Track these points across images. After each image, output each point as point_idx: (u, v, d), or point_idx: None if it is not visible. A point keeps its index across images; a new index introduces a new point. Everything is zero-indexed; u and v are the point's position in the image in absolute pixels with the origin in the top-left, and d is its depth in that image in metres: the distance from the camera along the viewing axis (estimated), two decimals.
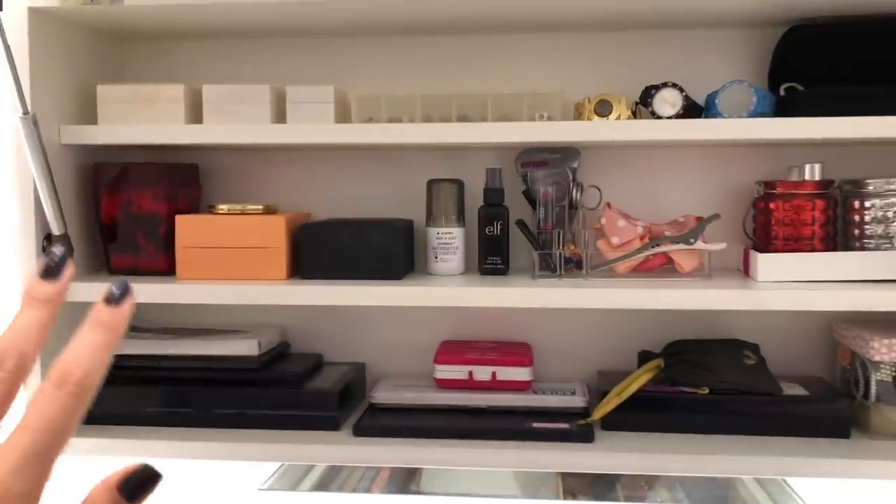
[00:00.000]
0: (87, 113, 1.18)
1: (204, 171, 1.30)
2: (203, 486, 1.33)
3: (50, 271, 0.43)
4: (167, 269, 1.17)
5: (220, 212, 1.17)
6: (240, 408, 1.16)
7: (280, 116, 1.15)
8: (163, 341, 1.20)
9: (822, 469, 1.03)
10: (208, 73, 1.26)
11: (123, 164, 1.19)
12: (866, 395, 1.11)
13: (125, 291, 0.42)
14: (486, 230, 1.18)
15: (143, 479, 0.41)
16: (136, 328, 1.26)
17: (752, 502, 1.32)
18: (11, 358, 0.40)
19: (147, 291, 1.11)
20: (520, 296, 1.07)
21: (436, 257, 1.18)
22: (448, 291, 1.09)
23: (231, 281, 1.12)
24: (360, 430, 1.13)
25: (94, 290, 1.11)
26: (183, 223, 1.15)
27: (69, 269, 0.43)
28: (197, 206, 1.26)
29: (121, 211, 1.17)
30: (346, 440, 1.12)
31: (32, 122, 1.04)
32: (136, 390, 1.17)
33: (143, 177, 1.17)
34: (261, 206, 1.17)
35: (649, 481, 1.41)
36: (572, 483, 1.44)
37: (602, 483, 1.44)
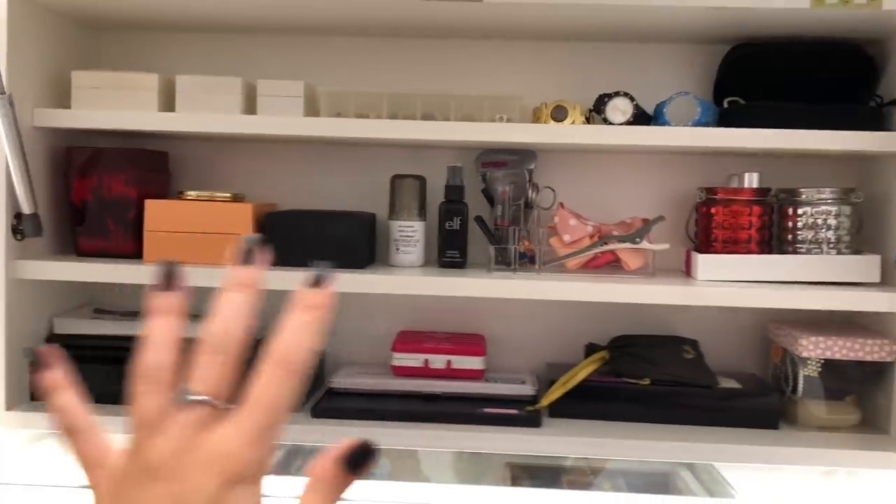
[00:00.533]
0: (61, 98, 1.21)
1: (174, 159, 1.34)
2: None
3: (248, 256, 0.45)
4: (135, 252, 1.20)
5: (189, 198, 1.21)
6: None
7: (251, 108, 1.20)
8: (130, 322, 1.23)
9: (753, 456, 1.11)
10: (180, 65, 1.30)
11: (95, 149, 1.22)
12: (794, 389, 1.19)
13: (326, 275, 0.45)
14: (446, 225, 1.24)
15: (365, 453, 0.42)
16: (104, 310, 1.29)
17: (687, 491, 1.39)
18: (229, 342, 0.42)
19: (115, 272, 1.14)
20: (476, 287, 1.13)
21: (397, 249, 1.24)
22: (407, 280, 1.14)
23: (196, 264, 1.16)
24: (319, 413, 1.17)
25: (62, 271, 1.15)
26: (152, 207, 1.19)
27: (266, 253, 0.45)
28: (166, 192, 1.30)
29: (91, 194, 1.20)
30: (305, 422, 1.16)
31: (9, 102, 1.07)
32: (106, 369, 1.19)
33: (114, 161, 1.21)
34: (228, 194, 1.21)
35: (592, 471, 1.47)
36: (519, 471, 1.50)
37: (547, 472, 1.50)
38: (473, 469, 1.52)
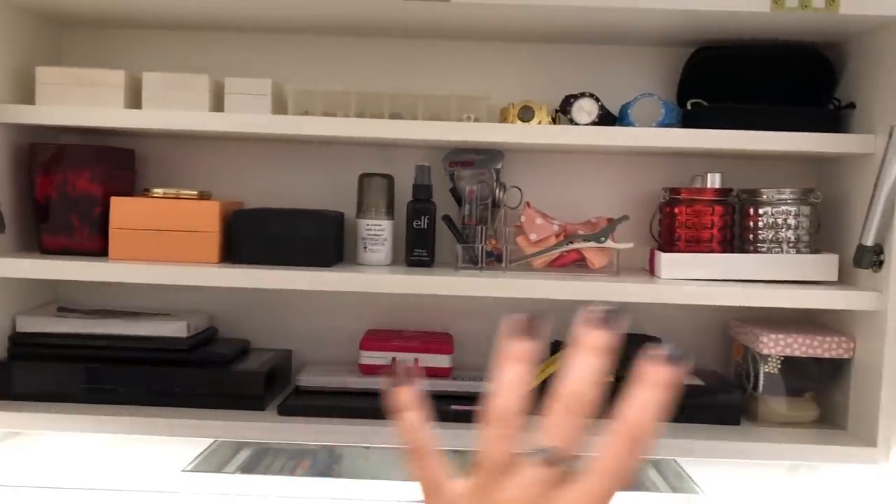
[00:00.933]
0: (25, 94, 1.20)
1: (140, 157, 1.33)
2: (127, 468, 1.35)
3: (606, 322, 0.46)
4: (100, 250, 1.19)
5: (155, 195, 1.20)
6: (167, 387, 1.19)
7: (218, 106, 1.19)
8: (94, 321, 1.22)
9: (715, 452, 1.13)
10: (147, 62, 1.30)
11: (60, 145, 1.21)
12: (756, 386, 1.21)
13: (679, 356, 0.45)
14: (414, 224, 1.24)
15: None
16: (67, 308, 1.28)
17: (652, 488, 1.41)
18: (582, 403, 0.44)
19: (79, 270, 1.13)
20: (443, 285, 1.14)
21: (365, 248, 1.24)
22: (375, 279, 1.15)
23: (162, 262, 1.16)
24: (286, 410, 1.17)
25: (25, 268, 1.14)
26: (118, 205, 1.18)
27: (621, 321, 0.46)
28: (132, 190, 1.29)
29: (56, 191, 1.19)
30: (272, 419, 1.16)
31: None
32: (65, 368, 1.19)
33: (79, 158, 1.20)
34: (195, 192, 1.21)
35: None
36: None
37: None
38: (447, 463, 1.52)
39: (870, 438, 1.12)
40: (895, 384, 1.10)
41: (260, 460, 1.53)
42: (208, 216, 1.18)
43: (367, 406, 1.18)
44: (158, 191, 1.21)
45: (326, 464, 1.55)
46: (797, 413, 1.21)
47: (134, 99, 1.19)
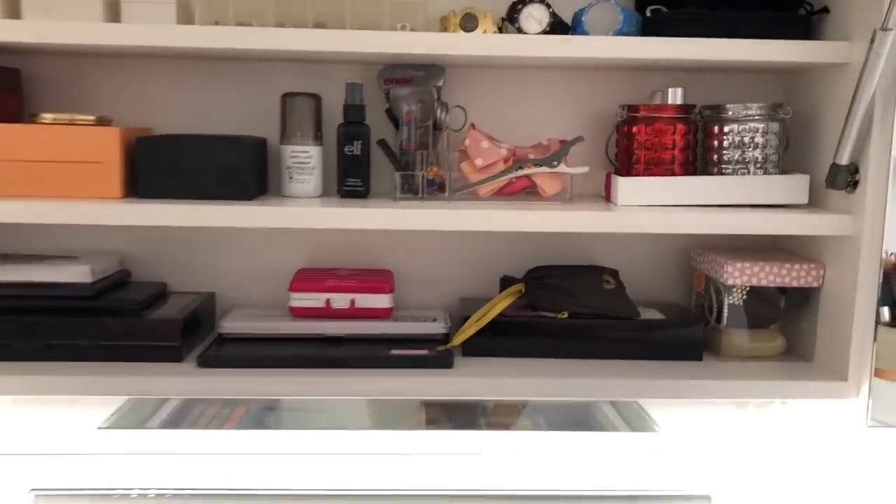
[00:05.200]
0: None
1: (28, 78, 1.16)
2: (37, 427, 1.22)
3: None
4: None
5: (45, 122, 1.04)
6: (72, 339, 1.05)
7: (114, 16, 1.03)
8: None
9: (675, 391, 1.04)
10: None
11: None
12: (718, 319, 1.13)
13: None
14: (346, 149, 1.11)
15: None
16: None
17: (609, 426, 1.34)
18: None
19: None
20: (379, 218, 1.02)
21: (290, 178, 1.11)
22: (302, 213, 1.02)
23: (57, 198, 1.01)
24: (206, 361, 1.05)
25: None
26: (2, 133, 1.02)
27: None
28: (19, 115, 1.13)
29: None
30: (191, 372, 1.04)
31: None
32: None
33: None
34: (92, 118, 1.05)
35: (510, 408, 1.41)
36: (435, 412, 1.42)
37: (464, 412, 1.43)
38: (385, 412, 1.43)
39: (839, 372, 1.05)
40: (868, 314, 1.02)
41: (187, 413, 1.41)
42: (108, 145, 1.03)
43: (300, 354, 1.07)
44: (49, 116, 1.05)
45: (261, 416, 1.44)
46: (762, 346, 1.13)
47: (12, 7, 1.02)
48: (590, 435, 1.30)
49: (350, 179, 1.11)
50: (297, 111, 1.11)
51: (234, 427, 1.41)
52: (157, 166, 1.04)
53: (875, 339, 1.03)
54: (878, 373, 1.05)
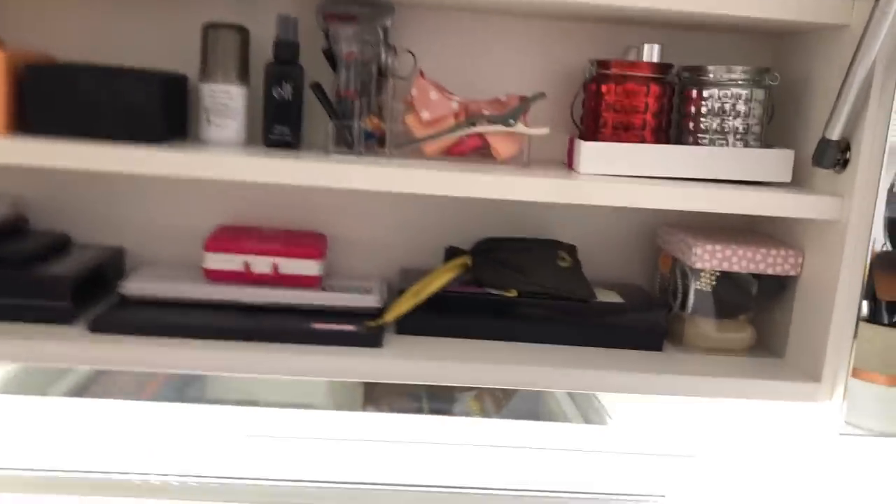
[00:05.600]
0: None
1: None
2: None
3: None
4: None
5: None
6: None
7: None
8: None
9: (629, 385, 0.93)
10: None
11: None
12: (683, 305, 1.02)
13: None
14: (274, 92, 0.97)
15: None
16: None
17: (559, 414, 1.23)
18: None
19: None
20: (307, 173, 0.88)
21: (209, 121, 0.97)
22: (217, 161, 0.88)
23: None
24: (100, 326, 0.92)
25: None
26: None
27: None
28: None
29: None
30: (83, 337, 0.91)
31: None
32: None
33: None
34: None
35: (458, 390, 1.30)
36: (376, 391, 1.31)
37: (408, 393, 1.32)
38: (319, 387, 1.31)
39: (812, 372, 0.94)
40: (849, 309, 0.91)
41: (97, 379, 1.29)
42: None
43: (211, 323, 0.94)
44: None
45: (182, 385, 1.32)
46: (730, 337, 1.02)
47: None
48: (540, 425, 1.20)
49: (277, 127, 0.98)
50: (220, 45, 0.97)
51: (152, 398, 1.29)
52: (49, 100, 0.90)
53: (855, 337, 0.92)
54: (854, 373, 0.95)
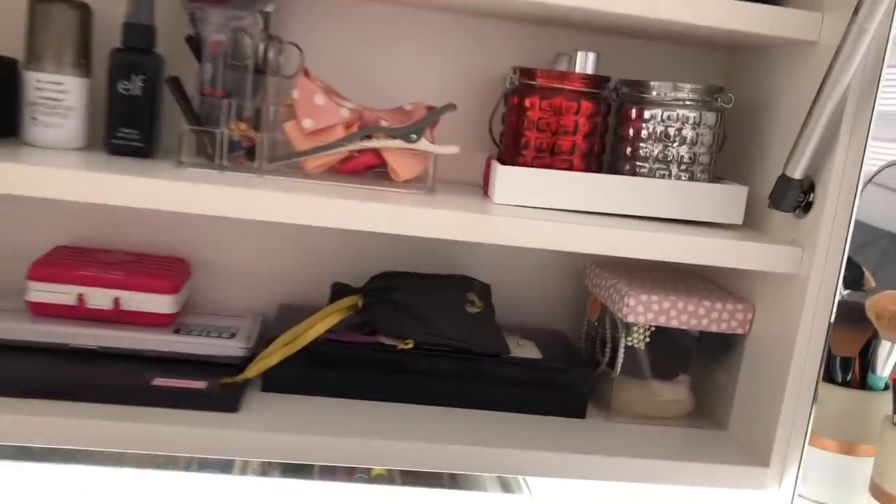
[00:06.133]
0: None
1: None
2: None
3: None
4: None
5: None
6: None
7: None
8: None
9: (543, 467, 0.76)
10: None
11: None
12: (612, 362, 0.86)
13: None
14: (121, 86, 0.78)
15: None
16: None
17: (480, 486, 1.06)
18: None
19: None
20: (148, 191, 0.69)
21: (34, 118, 0.77)
22: (35, 173, 0.68)
23: None
24: None
25: None
26: None
27: None
28: None
29: None
30: None
31: None
32: None
33: None
34: None
35: None
36: None
37: None
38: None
39: (759, 452, 0.79)
40: (807, 376, 0.76)
41: None
42: None
43: (23, 372, 0.74)
44: None
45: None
46: (664, 403, 0.86)
47: None
48: (450, 495, 1.03)
49: (123, 130, 0.78)
50: (51, 25, 0.77)
51: None
52: None
53: (812, 407, 0.77)
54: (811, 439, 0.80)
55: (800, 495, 0.77)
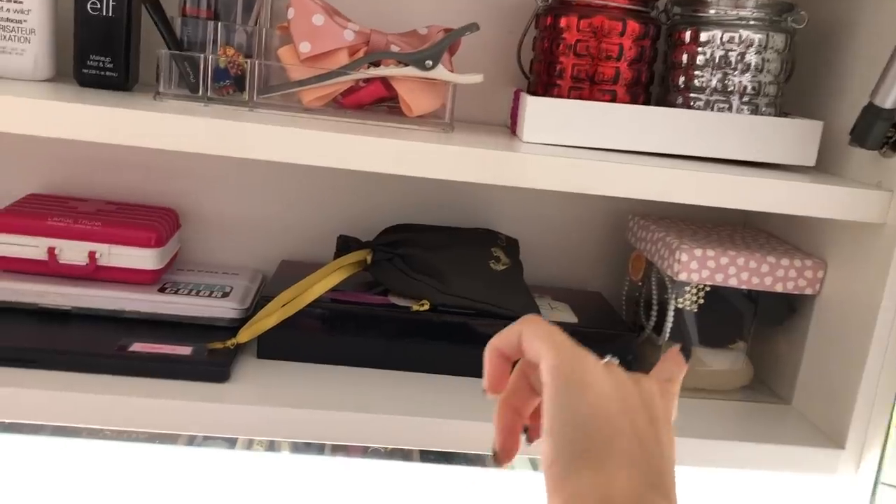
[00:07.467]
0: None
1: None
2: None
3: None
4: None
5: None
6: None
7: None
8: None
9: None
10: None
11: None
12: (658, 328, 0.75)
13: None
14: (90, 7, 0.67)
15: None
16: None
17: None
18: None
19: None
20: (124, 125, 0.59)
21: None
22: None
23: None
24: None
25: None
26: None
27: None
28: None
29: None
30: None
31: None
32: None
33: None
34: None
35: None
36: None
37: None
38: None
39: (833, 430, 0.68)
40: (893, 342, 0.65)
41: None
42: None
43: (2, 335, 0.66)
44: None
45: None
46: (718, 374, 0.75)
47: None
48: (473, 473, 0.93)
49: (94, 57, 0.68)
50: None
51: None
52: None
53: None
54: None
55: (884, 483, 0.66)
